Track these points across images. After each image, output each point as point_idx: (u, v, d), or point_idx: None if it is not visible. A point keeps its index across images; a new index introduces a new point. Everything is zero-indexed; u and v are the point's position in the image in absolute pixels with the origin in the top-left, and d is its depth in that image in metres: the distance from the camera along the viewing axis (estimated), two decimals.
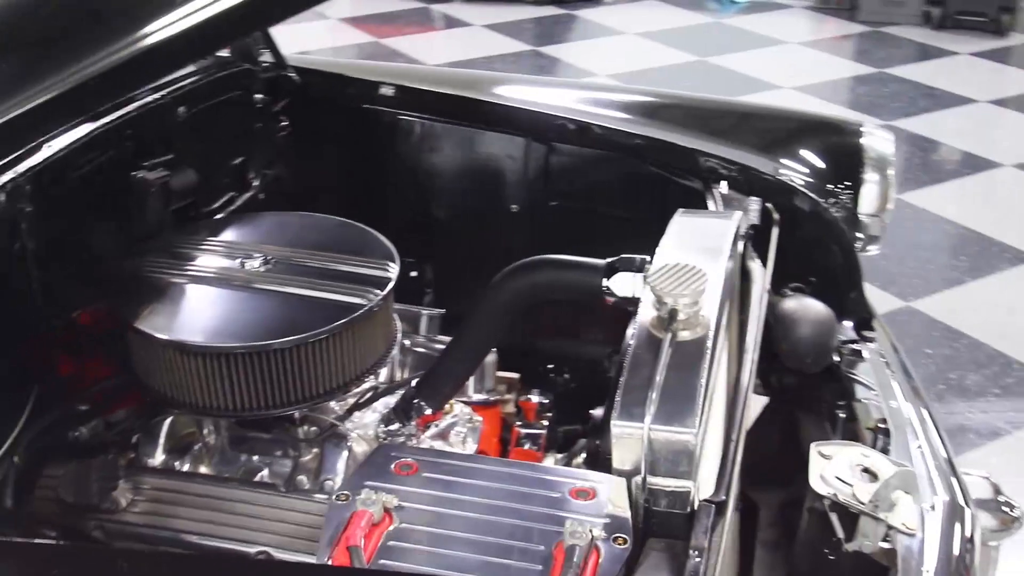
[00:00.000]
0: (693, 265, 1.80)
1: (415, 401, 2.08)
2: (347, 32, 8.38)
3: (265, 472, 2.11)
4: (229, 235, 2.20)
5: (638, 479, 1.60)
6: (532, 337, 2.70)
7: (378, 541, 1.52)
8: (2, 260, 1.89)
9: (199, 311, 1.97)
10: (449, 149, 2.85)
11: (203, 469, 2.13)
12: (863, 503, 1.87)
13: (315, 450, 2.09)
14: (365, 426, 2.15)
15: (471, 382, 2.34)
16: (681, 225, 2.12)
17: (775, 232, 2.43)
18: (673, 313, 1.75)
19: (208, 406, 1.94)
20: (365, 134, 2.91)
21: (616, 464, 1.62)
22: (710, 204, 2.48)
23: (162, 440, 2.13)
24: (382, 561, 1.48)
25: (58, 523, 1.98)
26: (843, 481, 1.94)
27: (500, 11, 8.77)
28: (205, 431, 2.12)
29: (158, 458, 2.12)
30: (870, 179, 2.64)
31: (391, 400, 2.15)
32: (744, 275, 2.24)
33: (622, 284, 1.95)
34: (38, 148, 1.98)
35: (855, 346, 2.47)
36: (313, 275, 2.05)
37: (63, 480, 1.98)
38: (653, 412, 1.60)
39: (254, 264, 2.08)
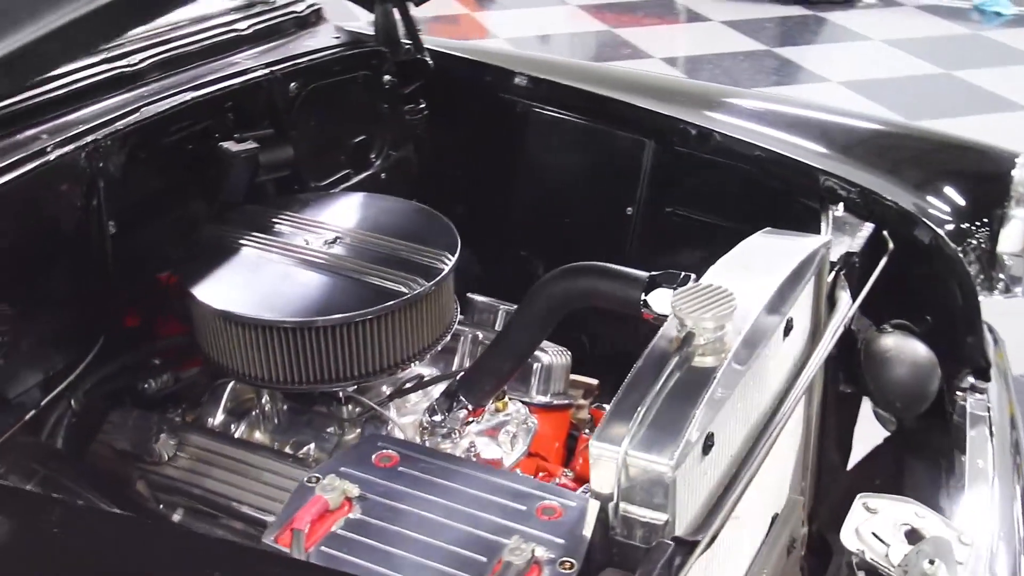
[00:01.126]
0: (724, 288, 1.69)
1: (456, 395, 2.07)
2: (584, 19, 8.39)
3: (312, 446, 2.15)
4: (307, 211, 2.25)
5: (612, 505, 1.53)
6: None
7: (328, 528, 1.51)
8: (80, 216, 2.00)
9: (252, 283, 2.03)
10: (574, 144, 2.80)
11: (257, 435, 2.20)
12: (892, 566, 1.72)
13: (357, 431, 2.12)
14: (414, 413, 2.16)
15: (535, 383, 2.30)
16: (753, 244, 2.00)
17: (883, 262, 2.24)
18: (689, 336, 1.65)
19: (249, 375, 1.99)
20: (497, 122, 2.90)
21: (594, 486, 1.55)
22: (822, 226, 2.33)
23: (223, 402, 2.21)
24: (323, 548, 1.48)
25: (109, 468, 2.10)
26: (880, 539, 1.79)
27: (744, 8, 8.55)
28: (263, 399, 2.18)
29: (218, 418, 2.20)
30: (1017, 215, 2.39)
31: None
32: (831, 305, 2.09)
33: (660, 300, 1.86)
34: (128, 112, 2.10)
35: (964, 396, 2.26)
36: (371, 258, 2.07)
37: (117, 427, 2.09)
38: (633, 437, 1.52)
39: (319, 242, 2.11)
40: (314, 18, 2.81)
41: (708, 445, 1.64)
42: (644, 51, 7.62)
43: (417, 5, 2.96)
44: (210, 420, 2.20)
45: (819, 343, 2.01)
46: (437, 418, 2.10)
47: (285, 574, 1.34)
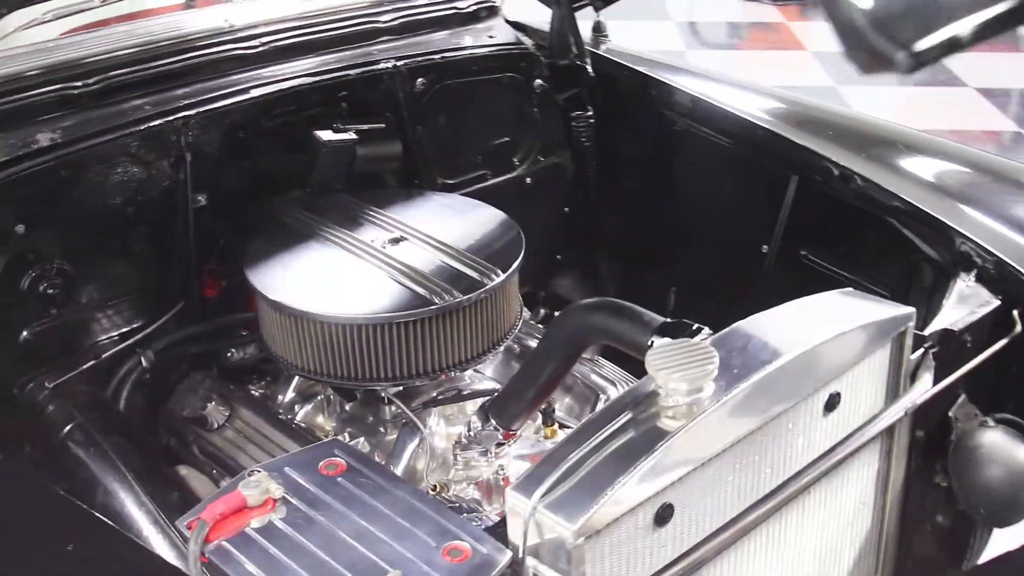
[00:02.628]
0: (709, 348, 1.54)
1: (487, 415, 2.03)
2: None
3: (362, 440, 2.16)
4: (391, 208, 2.25)
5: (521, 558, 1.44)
6: None
7: (242, 524, 1.52)
8: (167, 186, 2.12)
9: (303, 273, 2.06)
10: (723, 170, 2.64)
11: (319, 420, 2.24)
12: None
13: (396, 433, 2.11)
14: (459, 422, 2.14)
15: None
16: (819, 302, 1.81)
17: (1000, 344, 1.96)
18: (652, 394, 1.52)
19: (285, 361, 2.04)
20: (656, 138, 2.79)
21: (509, 534, 1.46)
22: (948, 293, 2.06)
23: (294, 382, 2.27)
24: (224, 543, 1.49)
25: (170, 429, 2.22)
26: None
27: None
28: (328, 387, 2.22)
29: (288, 396, 2.27)
30: None
31: None
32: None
33: None
34: (235, 92, 2.19)
35: None
36: (424, 263, 2.05)
37: (184, 391, 2.20)
38: (550, 492, 1.42)
39: (383, 239, 2.12)
40: (485, 13, 2.81)
41: (663, 516, 1.50)
42: (961, 79, 7.01)
43: (597, 10, 2.90)
44: (280, 397, 2.27)
45: (872, 423, 1.78)
46: (471, 433, 2.06)
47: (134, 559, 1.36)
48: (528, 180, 2.77)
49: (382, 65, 2.39)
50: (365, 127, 2.34)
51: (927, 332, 1.90)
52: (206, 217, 2.20)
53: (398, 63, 2.42)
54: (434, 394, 2.13)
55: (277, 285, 2.01)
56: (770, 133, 2.48)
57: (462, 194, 2.63)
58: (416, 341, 1.95)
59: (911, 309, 1.83)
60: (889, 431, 1.90)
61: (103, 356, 2.10)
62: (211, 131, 2.15)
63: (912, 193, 2.23)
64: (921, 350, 1.88)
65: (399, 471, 2.06)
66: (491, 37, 2.69)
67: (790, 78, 6.86)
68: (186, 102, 2.13)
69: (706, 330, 1.73)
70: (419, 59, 2.46)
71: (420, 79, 2.46)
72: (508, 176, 2.73)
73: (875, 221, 2.27)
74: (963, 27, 0.79)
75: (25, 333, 2.02)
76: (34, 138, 2.00)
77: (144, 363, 2.15)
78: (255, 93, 2.20)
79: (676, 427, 1.48)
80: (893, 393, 1.86)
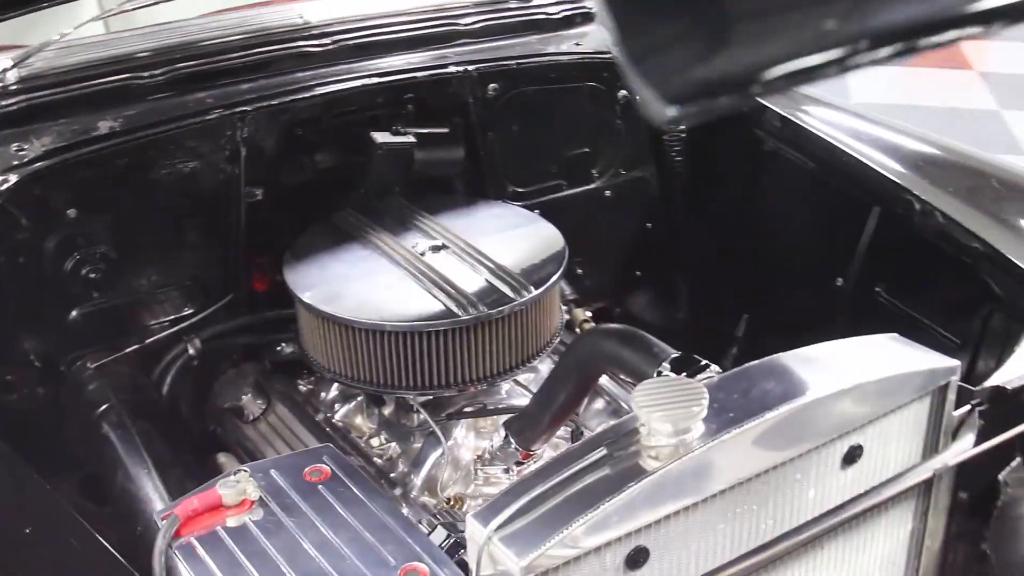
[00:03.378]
0: (700, 388, 1.46)
1: (506, 433, 1.99)
2: None
3: (394, 446, 2.15)
4: (442, 214, 2.22)
5: None
6: None
7: (214, 523, 1.53)
8: (221, 179, 2.15)
9: (338, 276, 2.06)
10: (805, 195, 2.52)
11: (358, 420, 2.24)
12: None
13: (422, 442, 2.09)
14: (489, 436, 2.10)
15: None
16: (853, 348, 1.69)
17: None
18: (632, 432, 1.45)
19: (320, 364, 2.04)
20: (744, 157, 2.68)
21: (469, 561, 1.42)
22: (1018, 347, 1.91)
23: None
24: (193, 540, 1.50)
25: (214, 418, 2.26)
26: None
27: None
28: None
29: (331, 394, 2.28)
30: None
31: None
32: None
33: None
34: (298, 89, 2.21)
35: None
36: (458, 274, 2.02)
37: (221, 381, 2.24)
38: (509, 523, 1.37)
39: (426, 246, 2.10)
40: (580, 19, 2.75)
41: (636, 559, 1.43)
42: None
43: None
44: (323, 395, 2.28)
45: (900, 480, 1.66)
46: (494, 449, 2.03)
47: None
48: (607, 193, 2.70)
49: (451, 69, 2.37)
50: (426, 131, 2.32)
51: (978, 388, 1.75)
52: (262, 211, 2.22)
53: (469, 68, 2.39)
54: (461, 405, 2.10)
55: (309, 284, 2.01)
56: (854, 159, 2.35)
57: (535, 204, 2.59)
58: (439, 352, 1.92)
59: (955, 363, 1.70)
60: (927, 490, 1.77)
61: (147, 341, 2.15)
62: (269, 127, 2.17)
63: (995, 236, 2.07)
64: (967, 407, 1.74)
65: (420, 479, 2.04)
66: (577, 44, 2.63)
67: (951, 99, 6.52)
68: (246, 97, 2.15)
69: (714, 368, 1.65)
70: (492, 64, 2.42)
71: (492, 85, 2.43)
72: (585, 188, 2.67)
73: (954, 262, 2.12)
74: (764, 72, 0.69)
75: (74, 313, 2.09)
76: (95, 125, 2.06)
77: (191, 351, 2.19)
78: (317, 91, 2.21)
79: (652, 468, 1.41)
80: (932, 450, 1.73)
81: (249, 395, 2.19)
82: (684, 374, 1.65)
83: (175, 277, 2.19)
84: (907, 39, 0.74)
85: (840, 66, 0.73)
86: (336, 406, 2.25)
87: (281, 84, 2.22)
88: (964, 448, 1.72)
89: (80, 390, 2.07)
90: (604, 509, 1.37)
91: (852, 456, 1.62)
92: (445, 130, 2.36)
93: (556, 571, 1.36)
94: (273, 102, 2.16)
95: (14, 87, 2.09)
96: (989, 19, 0.77)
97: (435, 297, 1.95)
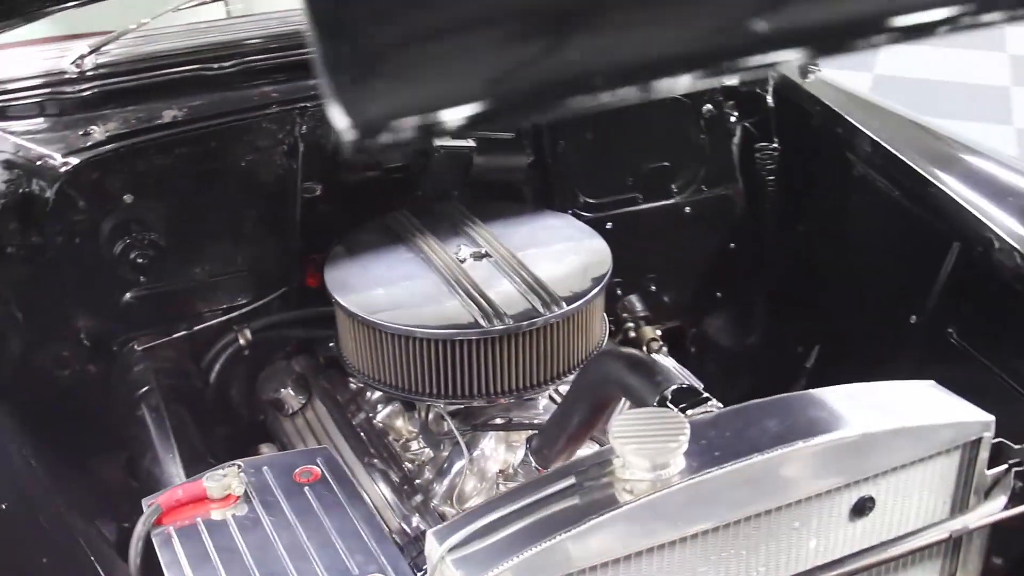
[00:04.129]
0: (682, 421, 1.39)
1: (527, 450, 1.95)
2: None
3: (428, 451, 2.14)
4: (492, 221, 2.19)
5: None
6: None
7: (197, 514, 1.54)
8: (278, 174, 2.18)
9: (373, 277, 2.05)
10: (888, 226, 2.39)
11: (398, 423, 2.24)
12: None
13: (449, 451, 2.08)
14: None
15: None
16: (881, 392, 1.60)
17: None
18: (606, 463, 1.39)
19: (351, 363, 2.05)
20: (833, 181, 2.56)
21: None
22: None
23: None
24: (171, 530, 1.52)
25: (257, 409, 2.29)
26: None
27: None
28: None
29: (375, 394, 2.28)
30: None
31: None
32: None
33: None
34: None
35: None
36: (493, 284, 1.99)
37: (267, 372, 2.27)
38: (466, 544, 1.34)
39: (467, 254, 2.08)
40: None
41: None
42: None
43: None
44: (368, 394, 2.28)
45: (916, 537, 1.55)
46: (515, 464, 2.00)
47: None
48: (687, 209, 2.62)
49: None
50: (490, 136, 2.29)
51: (1019, 447, 1.62)
52: (320, 207, 2.24)
53: None
54: (490, 417, 2.07)
55: (346, 283, 2.02)
56: (938, 190, 2.21)
57: (608, 216, 2.54)
58: (465, 361, 1.90)
59: (990, 418, 1.58)
60: (954, 551, 1.65)
61: (196, 328, 2.20)
62: (328, 124, 2.18)
63: None
64: (1004, 466, 1.61)
65: (442, 488, 2.02)
66: None
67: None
68: (310, 93, 2.17)
69: (713, 402, 1.57)
70: None
71: None
72: (663, 203, 2.59)
73: None
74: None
75: (127, 296, 2.15)
76: (159, 114, 2.11)
77: (241, 341, 2.23)
78: None
79: (619, 502, 1.35)
80: (960, 508, 1.61)
81: (288, 388, 2.20)
82: (681, 407, 1.57)
83: (228, 267, 2.23)
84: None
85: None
86: (379, 407, 2.25)
87: None
88: (995, 509, 1.59)
89: (127, 371, 2.13)
90: (560, 539, 1.32)
91: (862, 508, 1.52)
92: (510, 136, 2.33)
93: None
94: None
95: (90, 73, 2.16)
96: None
97: (464, 306, 1.93)
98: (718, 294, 2.76)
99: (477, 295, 1.94)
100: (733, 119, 2.62)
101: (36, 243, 2.05)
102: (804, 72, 2.70)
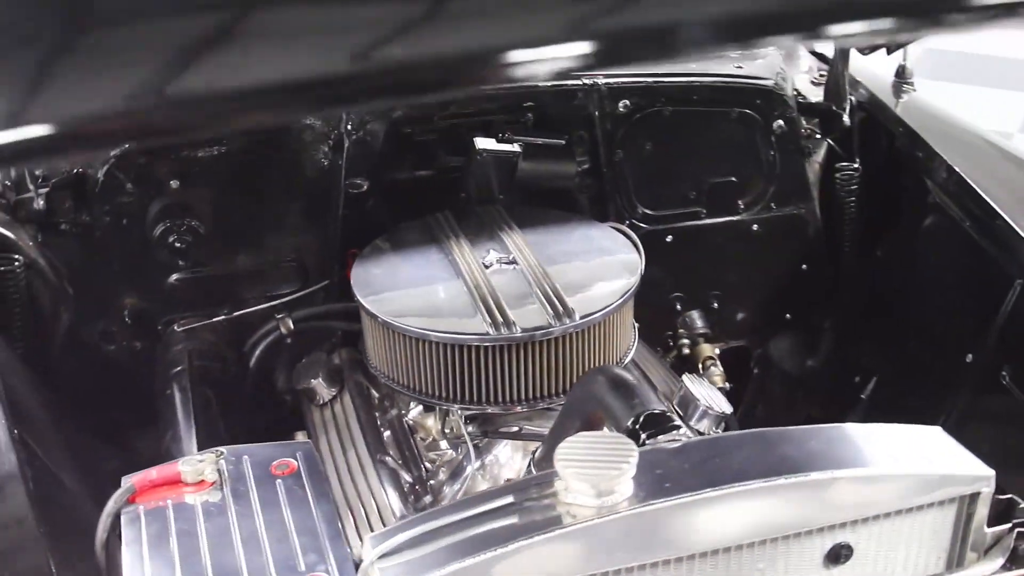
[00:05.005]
0: (631, 449, 1.35)
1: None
2: None
3: (450, 452, 2.14)
4: (528, 230, 2.15)
5: None
6: None
7: (169, 496, 1.58)
8: (323, 168, 2.21)
9: (400, 279, 2.05)
10: (955, 258, 2.26)
11: (429, 422, 2.23)
12: None
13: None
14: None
15: None
16: (879, 435, 1.52)
17: None
18: (547, 485, 1.36)
19: (370, 360, 2.06)
20: (907, 208, 2.44)
21: None
22: None
23: None
24: (141, 510, 1.55)
25: (294, 397, 2.33)
26: None
27: None
28: None
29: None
30: None
31: None
32: None
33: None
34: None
35: None
36: (512, 293, 1.96)
37: (304, 362, 2.30)
38: (392, 553, 1.34)
39: (495, 260, 2.05)
40: None
41: None
42: None
43: (889, 52, 2.58)
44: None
45: None
46: (522, 475, 1.97)
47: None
48: (755, 227, 2.53)
49: (574, 81, 2.30)
50: (539, 141, 2.26)
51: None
52: (366, 203, 2.26)
53: (597, 80, 2.31)
54: (503, 424, 2.04)
55: (369, 281, 2.03)
56: (1006, 224, 2.08)
57: (669, 229, 2.48)
58: (470, 367, 1.88)
59: (989, 472, 1.47)
60: None
61: (235, 314, 2.25)
62: (375, 121, 2.20)
63: None
64: (1007, 525, 1.50)
65: (451, 491, 2.01)
66: (739, 67, 2.47)
67: None
68: None
69: (683, 430, 1.50)
70: (625, 80, 2.33)
71: (624, 101, 2.33)
72: (728, 219, 2.51)
73: None
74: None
75: (172, 278, 2.22)
76: None
77: (282, 330, 2.27)
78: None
79: (555, 525, 1.32)
80: (955, 565, 1.51)
81: (320, 379, 2.22)
82: (648, 432, 1.51)
83: (270, 257, 2.27)
84: None
85: None
86: (412, 404, 2.25)
87: None
88: (991, 569, 1.48)
89: (166, 351, 2.19)
90: (487, 558, 1.30)
91: (837, 555, 1.44)
92: (561, 142, 2.29)
93: None
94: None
95: None
96: None
97: (478, 313, 1.91)
98: (787, 316, 2.66)
99: (492, 302, 1.92)
100: (806, 135, 2.52)
101: (86, 222, 2.13)
102: (897, 89, 2.59)
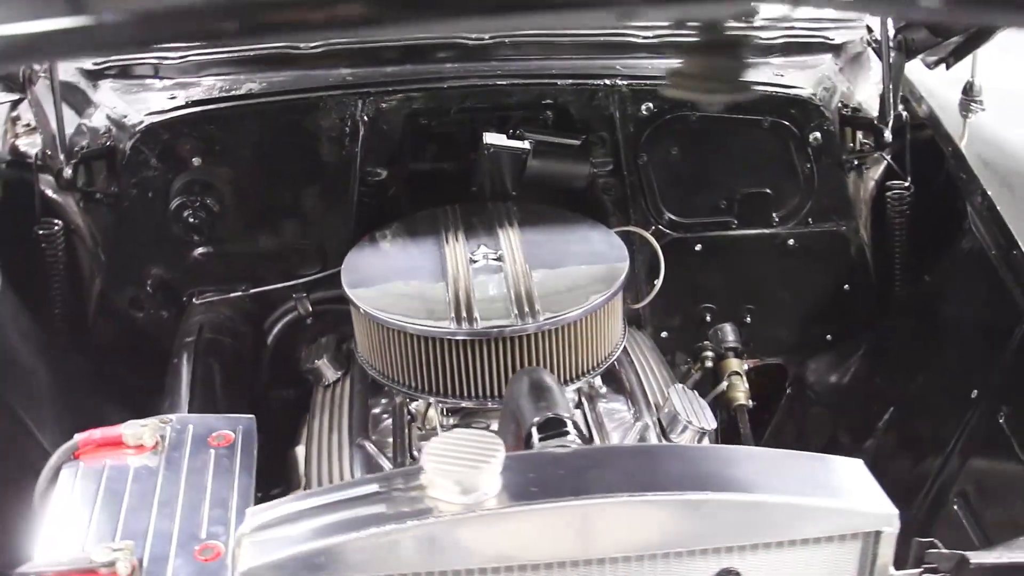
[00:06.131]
0: (494, 448, 1.35)
1: None
2: None
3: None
4: (526, 228, 2.15)
5: None
6: None
7: (111, 455, 1.67)
8: (339, 152, 2.28)
9: (388, 268, 2.09)
10: (972, 287, 2.17)
11: (430, 413, 2.27)
12: None
13: None
14: None
15: None
16: (798, 464, 1.48)
17: None
18: (412, 478, 1.38)
19: (360, 354, 2.11)
20: (950, 232, 2.31)
21: None
22: None
23: None
24: (80, 466, 1.65)
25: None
26: None
27: None
28: None
29: None
30: None
31: None
32: None
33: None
34: (424, 80, 2.27)
35: None
36: (489, 290, 1.98)
37: (318, 344, 2.37)
38: (261, 528, 1.38)
39: (482, 256, 2.07)
40: (806, 48, 2.51)
41: None
42: None
43: (948, 67, 2.47)
44: None
45: None
46: None
47: None
48: (791, 242, 2.46)
49: (595, 81, 2.28)
50: (553, 139, 2.26)
51: (936, 551, 1.43)
52: (384, 191, 2.32)
53: (618, 81, 2.29)
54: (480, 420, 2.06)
55: (356, 268, 2.07)
56: (1022, 255, 1.96)
57: (697, 237, 2.44)
58: (432, 359, 1.91)
59: (891, 511, 1.40)
60: None
61: (250, 291, 2.34)
62: (391, 111, 2.25)
63: None
64: (918, 569, 1.43)
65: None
66: (779, 75, 2.41)
67: None
68: (380, 79, 2.25)
69: (572, 436, 1.49)
70: (648, 82, 2.30)
71: (647, 103, 2.31)
72: (762, 231, 2.45)
73: None
74: None
75: (196, 252, 2.33)
76: (239, 85, 2.27)
77: (300, 310, 2.34)
78: (442, 84, 2.25)
79: (400, 518, 1.33)
80: None
81: (324, 360, 2.27)
82: (540, 436, 1.51)
83: (290, 239, 2.35)
84: None
85: None
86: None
87: (420, 72, 2.29)
88: None
89: (185, 322, 2.31)
90: (339, 542, 1.32)
91: None
92: (575, 142, 2.29)
93: None
94: (400, 88, 2.24)
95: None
96: None
97: (447, 306, 1.93)
98: (828, 337, 2.57)
99: (463, 297, 1.94)
100: (859, 151, 2.43)
101: (115, 192, 2.26)
102: (964, 107, 2.47)
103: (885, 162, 2.48)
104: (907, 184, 2.45)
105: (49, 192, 2.33)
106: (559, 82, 2.29)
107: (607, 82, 2.29)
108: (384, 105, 2.25)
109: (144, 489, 1.60)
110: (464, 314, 1.90)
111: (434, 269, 2.05)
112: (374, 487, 1.38)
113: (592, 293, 1.96)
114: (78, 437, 1.68)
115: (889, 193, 2.47)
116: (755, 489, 1.39)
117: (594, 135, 2.33)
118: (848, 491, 1.43)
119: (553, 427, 1.54)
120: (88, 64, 2.40)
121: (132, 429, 1.68)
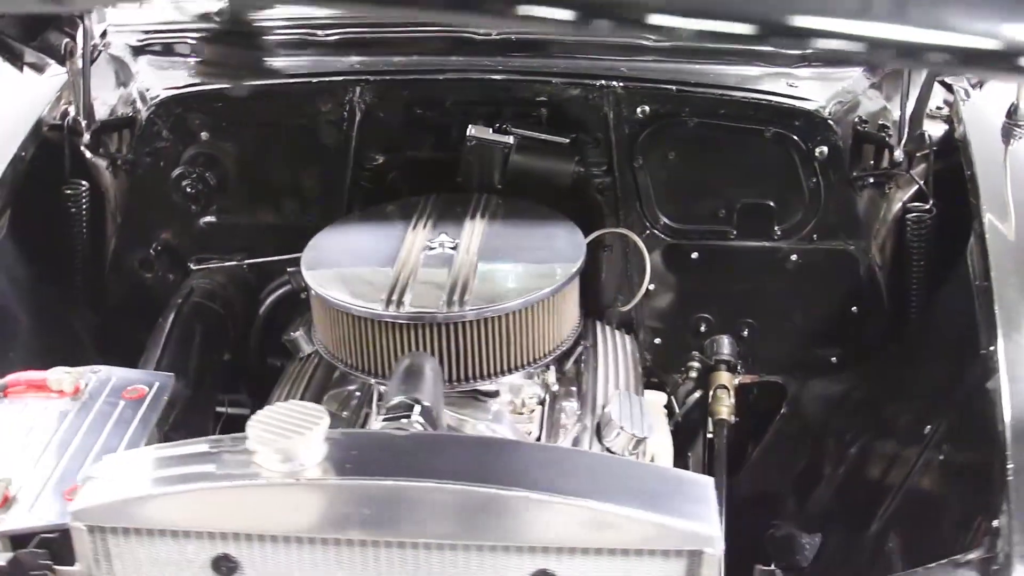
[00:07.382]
0: (317, 419, 1.39)
1: None
2: None
3: None
4: (494, 222, 2.16)
5: None
6: None
7: (34, 396, 1.79)
8: (335, 136, 2.35)
9: (348, 251, 2.13)
10: (959, 317, 2.02)
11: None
12: None
13: None
14: None
15: None
16: (638, 474, 1.46)
17: None
18: (239, 442, 1.43)
19: (314, 334, 2.16)
20: (952, 258, 2.19)
21: None
22: None
23: None
24: (7, 401, 1.77)
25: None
26: None
27: None
28: None
29: None
30: None
31: None
32: None
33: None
34: (424, 71, 2.32)
35: None
36: (434, 277, 1.99)
37: (304, 318, 2.44)
38: (107, 476, 1.47)
39: (438, 242, 2.09)
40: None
41: (220, 565, 1.44)
42: None
43: (972, 87, 2.36)
44: None
45: None
46: None
47: None
48: (794, 257, 2.37)
49: (589, 80, 2.27)
50: (539, 136, 2.27)
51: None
52: (382, 177, 2.38)
53: (614, 82, 2.27)
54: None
55: (316, 250, 2.12)
56: (988, 288, 1.85)
57: (694, 245, 2.40)
58: (364, 340, 1.94)
59: (712, 533, 1.39)
60: None
61: (246, 262, 2.43)
62: (386, 100, 2.31)
63: None
64: None
65: None
66: (792, 85, 2.33)
67: None
68: (380, 68, 2.31)
69: (415, 418, 1.50)
70: (645, 85, 2.27)
71: (644, 107, 2.27)
72: (760, 243, 2.37)
73: None
74: None
75: (202, 221, 2.44)
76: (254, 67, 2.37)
77: (293, 284, 2.42)
78: (436, 76, 2.29)
79: (218, 478, 1.39)
80: None
81: (300, 332, 2.32)
82: (384, 417, 1.52)
83: (289, 216, 2.44)
84: None
85: None
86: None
87: (425, 64, 2.34)
88: None
89: (182, 285, 2.43)
90: (151, 494, 1.39)
91: None
92: (564, 141, 2.28)
93: (130, 536, 1.41)
94: (396, 77, 2.30)
95: (213, 23, 2.47)
96: None
97: (384, 290, 1.95)
98: (832, 359, 2.47)
99: (401, 282, 1.96)
100: (882, 170, 2.33)
101: (131, 160, 2.40)
102: (1007, 131, 2.34)
103: (915, 184, 2.36)
104: (928, 207, 2.33)
105: (88, 154, 2.48)
106: (553, 80, 2.29)
107: (602, 82, 2.28)
108: (380, 93, 2.30)
109: (49, 428, 1.71)
110: (395, 297, 1.92)
111: (389, 254, 2.08)
112: (205, 447, 1.43)
113: (533, 288, 1.96)
114: (9, 377, 1.81)
115: (909, 216, 2.35)
116: (572, 492, 1.37)
117: (588, 135, 2.32)
118: (677, 508, 1.39)
119: (400, 410, 1.55)
120: (134, 40, 2.56)
121: (56, 375, 1.79)
